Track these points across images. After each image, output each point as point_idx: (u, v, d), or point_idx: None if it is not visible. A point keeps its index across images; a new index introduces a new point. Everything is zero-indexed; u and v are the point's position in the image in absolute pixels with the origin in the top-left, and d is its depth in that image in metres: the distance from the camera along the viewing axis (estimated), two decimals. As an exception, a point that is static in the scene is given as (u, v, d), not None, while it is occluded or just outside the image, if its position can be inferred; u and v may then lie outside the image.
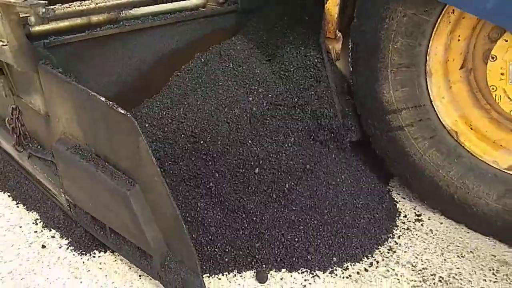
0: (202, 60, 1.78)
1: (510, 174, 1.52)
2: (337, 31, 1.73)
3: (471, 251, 1.55)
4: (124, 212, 1.25)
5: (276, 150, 1.61)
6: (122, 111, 1.11)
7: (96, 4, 2.10)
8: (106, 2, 2.13)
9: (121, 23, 1.61)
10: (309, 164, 1.68)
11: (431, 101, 1.58)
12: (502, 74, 1.40)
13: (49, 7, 1.16)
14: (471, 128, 1.62)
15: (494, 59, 1.40)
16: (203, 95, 1.63)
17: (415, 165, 1.65)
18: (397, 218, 1.71)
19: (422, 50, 1.51)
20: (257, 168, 1.55)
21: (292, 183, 1.60)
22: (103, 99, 1.15)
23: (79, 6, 2.05)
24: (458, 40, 1.53)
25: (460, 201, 1.60)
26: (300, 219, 1.55)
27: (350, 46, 1.67)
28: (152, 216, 1.22)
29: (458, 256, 1.52)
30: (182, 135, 1.55)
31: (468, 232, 1.65)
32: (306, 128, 1.74)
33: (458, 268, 1.47)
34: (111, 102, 1.14)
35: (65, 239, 1.58)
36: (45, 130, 1.54)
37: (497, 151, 1.58)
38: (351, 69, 1.72)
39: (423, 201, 1.76)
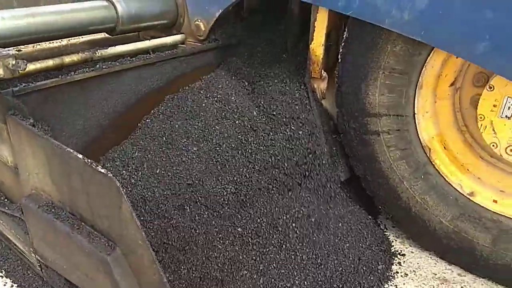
0: (173, 103, 1.68)
1: (470, 200, 1.55)
2: (323, 70, 1.69)
3: (413, 270, 1.63)
4: (103, 277, 1.13)
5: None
6: (102, 171, 1.01)
7: (69, 41, 2.01)
8: (80, 38, 2.05)
9: (97, 65, 1.52)
10: (298, 208, 1.62)
11: (414, 113, 1.55)
12: (494, 106, 1.40)
13: (20, 58, 1.05)
14: (445, 148, 1.61)
15: (492, 89, 1.39)
16: (165, 157, 1.49)
17: (381, 171, 1.64)
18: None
19: (420, 60, 1.45)
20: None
21: (281, 238, 1.52)
22: (80, 156, 1.05)
23: (50, 43, 1.95)
24: (457, 57, 1.48)
25: (416, 215, 1.62)
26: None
27: (344, 36, 1.56)
28: (135, 282, 1.11)
29: (402, 276, 1.59)
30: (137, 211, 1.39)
31: (412, 252, 1.73)
32: (294, 178, 1.67)
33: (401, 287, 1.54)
34: (89, 160, 1.04)
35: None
36: (13, 183, 1.40)
37: (464, 175, 1.60)
38: (339, 60, 1.60)
39: (378, 206, 1.76)
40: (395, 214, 1.71)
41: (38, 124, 1.33)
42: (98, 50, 1.73)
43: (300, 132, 1.67)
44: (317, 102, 1.75)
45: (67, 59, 1.63)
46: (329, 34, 1.66)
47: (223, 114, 1.65)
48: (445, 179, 1.58)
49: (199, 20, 1.93)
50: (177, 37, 2.06)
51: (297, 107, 1.69)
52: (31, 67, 1.53)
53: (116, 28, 1.84)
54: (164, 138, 1.55)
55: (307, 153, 1.66)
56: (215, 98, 1.71)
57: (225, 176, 1.51)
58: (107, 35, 1.98)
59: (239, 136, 1.61)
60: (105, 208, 1.09)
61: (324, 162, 1.71)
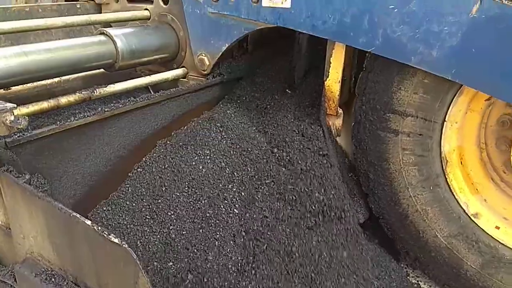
0: (166, 149, 1.54)
1: (472, 221, 1.50)
2: (338, 107, 1.60)
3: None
4: None
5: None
6: (116, 241, 0.87)
7: (61, 77, 1.88)
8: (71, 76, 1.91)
9: (99, 108, 1.39)
10: (318, 254, 1.49)
11: (444, 121, 1.43)
12: None
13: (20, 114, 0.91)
14: (461, 163, 1.54)
15: None
16: (148, 230, 1.31)
17: (387, 173, 1.55)
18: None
19: None
20: None
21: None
22: (89, 223, 0.91)
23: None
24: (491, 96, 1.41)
25: (411, 223, 1.56)
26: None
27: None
28: None
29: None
30: None
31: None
32: (308, 216, 1.55)
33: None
34: (99, 228, 0.90)
35: None
36: (4, 244, 1.24)
37: (472, 195, 1.54)
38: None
39: (372, 204, 1.66)
40: (388, 217, 1.63)
41: (34, 179, 1.18)
42: (97, 89, 1.60)
43: (316, 175, 1.55)
44: (332, 140, 1.65)
45: (63, 100, 1.50)
46: (344, 69, 1.57)
47: (217, 183, 1.45)
48: (453, 195, 1.51)
49: (203, 54, 1.83)
50: (178, 72, 1.95)
51: (312, 148, 1.58)
52: (23, 110, 1.39)
53: (116, 65, 1.72)
54: (152, 201, 1.38)
55: (323, 196, 1.54)
56: (207, 156, 1.53)
57: (222, 256, 1.30)
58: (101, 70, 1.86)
59: (235, 209, 1.41)
60: (118, 280, 0.94)
61: (341, 204, 1.60)
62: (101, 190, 1.44)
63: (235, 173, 1.50)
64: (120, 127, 1.47)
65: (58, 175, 1.30)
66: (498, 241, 1.47)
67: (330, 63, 1.53)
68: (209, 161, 1.52)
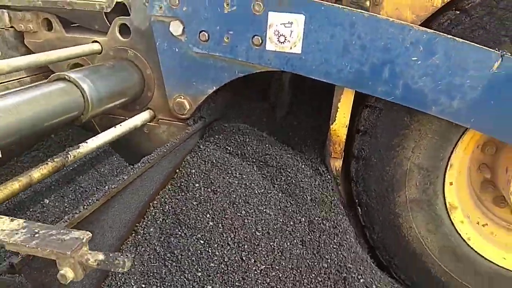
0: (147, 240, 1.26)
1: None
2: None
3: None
4: None
5: None
6: None
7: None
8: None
9: (106, 186, 1.08)
10: None
11: None
12: None
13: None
14: None
15: None
16: None
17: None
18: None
19: None
20: None
21: None
22: None
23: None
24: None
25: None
26: None
27: None
28: None
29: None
30: None
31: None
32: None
33: None
34: None
35: None
36: None
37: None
38: None
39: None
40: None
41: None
42: (70, 153, 1.27)
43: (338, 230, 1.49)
44: (337, 183, 1.62)
45: (36, 174, 1.14)
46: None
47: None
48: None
49: (182, 97, 1.61)
50: (145, 115, 1.68)
51: (326, 197, 1.52)
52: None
53: (82, 117, 1.38)
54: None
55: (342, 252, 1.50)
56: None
57: None
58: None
59: None
60: None
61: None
62: None
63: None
64: (122, 203, 1.18)
65: None
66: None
67: (338, 108, 1.49)
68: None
